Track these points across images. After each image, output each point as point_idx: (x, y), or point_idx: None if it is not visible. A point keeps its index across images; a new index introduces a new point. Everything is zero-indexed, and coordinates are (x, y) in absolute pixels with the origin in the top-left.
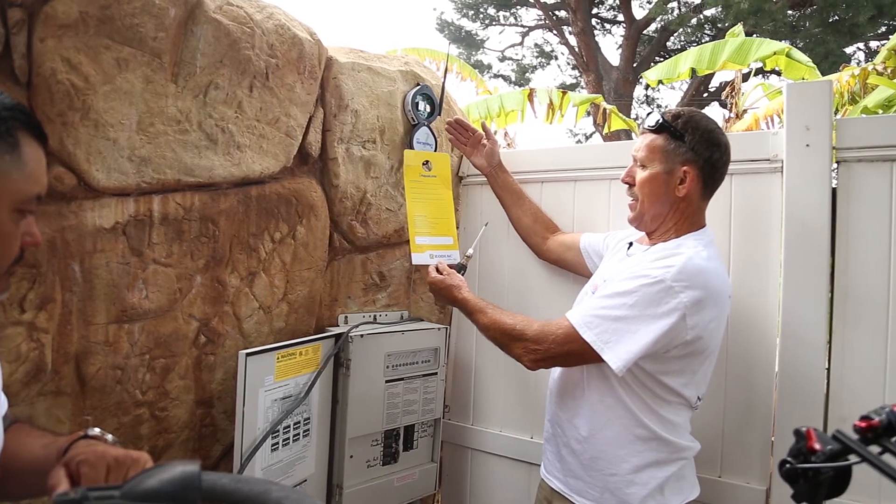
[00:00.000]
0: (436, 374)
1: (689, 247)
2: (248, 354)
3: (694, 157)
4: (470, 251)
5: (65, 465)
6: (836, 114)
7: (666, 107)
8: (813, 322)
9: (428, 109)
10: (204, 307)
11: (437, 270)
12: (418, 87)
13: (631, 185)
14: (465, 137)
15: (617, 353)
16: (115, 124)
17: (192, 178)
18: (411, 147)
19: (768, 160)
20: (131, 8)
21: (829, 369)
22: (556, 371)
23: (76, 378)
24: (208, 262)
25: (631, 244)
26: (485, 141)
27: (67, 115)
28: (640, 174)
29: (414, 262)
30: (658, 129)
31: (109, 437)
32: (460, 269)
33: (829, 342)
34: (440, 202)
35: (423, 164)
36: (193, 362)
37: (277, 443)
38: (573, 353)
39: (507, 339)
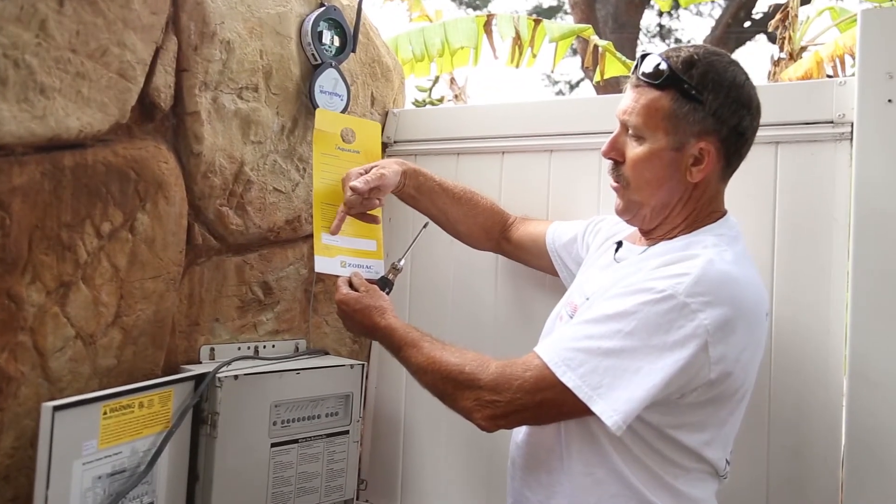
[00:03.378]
0: (347, 432)
1: (707, 245)
2: (56, 408)
3: (715, 125)
4: (401, 262)
5: None
6: None
7: (689, 42)
8: None
9: (337, 43)
10: None
11: (351, 285)
12: (322, 10)
13: (618, 161)
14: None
15: (612, 404)
16: None
17: None
18: (311, 98)
19: (832, 123)
20: None
21: None
22: (519, 432)
23: None
24: None
25: (620, 244)
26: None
27: None
28: (634, 149)
29: (317, 270)
30: (662, 82)
31: None
32: (384, 285)
33: None
34: None
35: (343, 133)
36: None
37: None
38: (547, 404)
39: (451, 387)
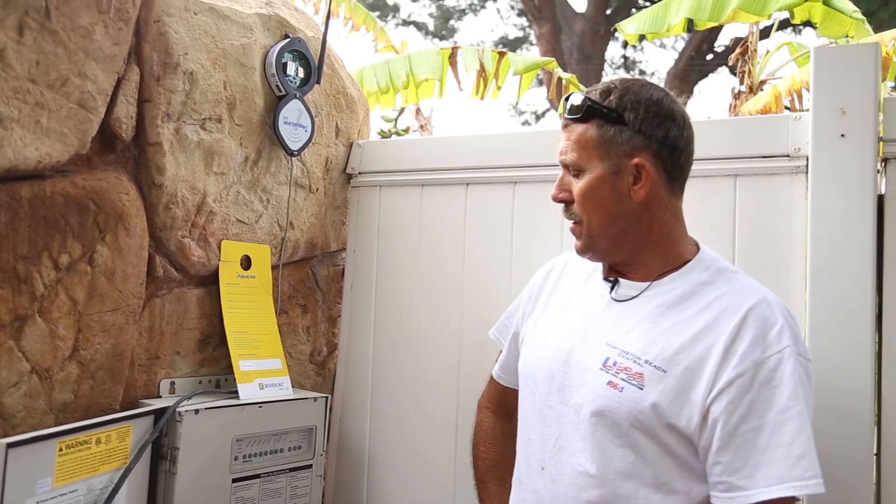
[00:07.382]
0: (310, 467)
1: (734, 271)
2: (10, 445)
3: (644, 140)
4: None
5: None
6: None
7: (652, 75)
8: (852, 387)
9: (301, 74)
10: None
11: None
12: (287, 41)
13: (568, 202)
14: None
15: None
16: None
17: None
18: (275, 129)
19: (787, 156)
20: None
21: (878, 455)
22: (573, 471)
23: None
24: None
25: (616, 281)
26: None
27: None
28: (577, 184)
29: (243, 399)
30: (585, 115)
31: None
32: None
33: (878, 416)
34: (262, 313)
35: (241, 260)
36: None
37: None
38: None
39: None
